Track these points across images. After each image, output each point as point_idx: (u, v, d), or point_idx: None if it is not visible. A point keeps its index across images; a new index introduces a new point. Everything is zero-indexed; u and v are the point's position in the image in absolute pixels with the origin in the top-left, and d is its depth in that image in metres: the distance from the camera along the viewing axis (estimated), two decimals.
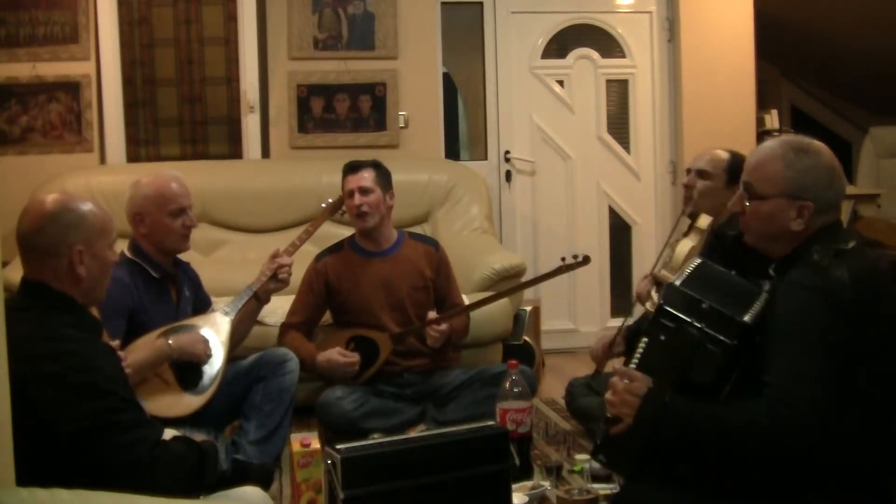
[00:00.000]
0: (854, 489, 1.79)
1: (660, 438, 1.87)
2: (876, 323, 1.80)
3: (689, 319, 1.89)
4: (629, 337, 3.20)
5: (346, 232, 3.85)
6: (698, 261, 2.08)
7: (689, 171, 3.30)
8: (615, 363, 2.44)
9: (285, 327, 3.51)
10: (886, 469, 1.85)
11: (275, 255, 3.20)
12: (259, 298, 3.17)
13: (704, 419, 1.82)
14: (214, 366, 2.88)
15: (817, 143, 1.94)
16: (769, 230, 1.93)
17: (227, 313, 3.03)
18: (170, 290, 3.00)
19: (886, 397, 1.82)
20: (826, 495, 1.78)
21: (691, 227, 3.20)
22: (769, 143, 1.96)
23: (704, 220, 3.12)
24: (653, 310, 2.40)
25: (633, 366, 1.99)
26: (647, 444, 1.92)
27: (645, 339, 1.99)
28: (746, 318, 1.85)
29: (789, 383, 1.72)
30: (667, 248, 3.37)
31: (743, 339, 1.85)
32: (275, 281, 3.18)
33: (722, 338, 1.85)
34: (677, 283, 1.98)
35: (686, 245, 3.17)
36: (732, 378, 1.91)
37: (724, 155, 3.20)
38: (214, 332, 2.94)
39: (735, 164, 3.16)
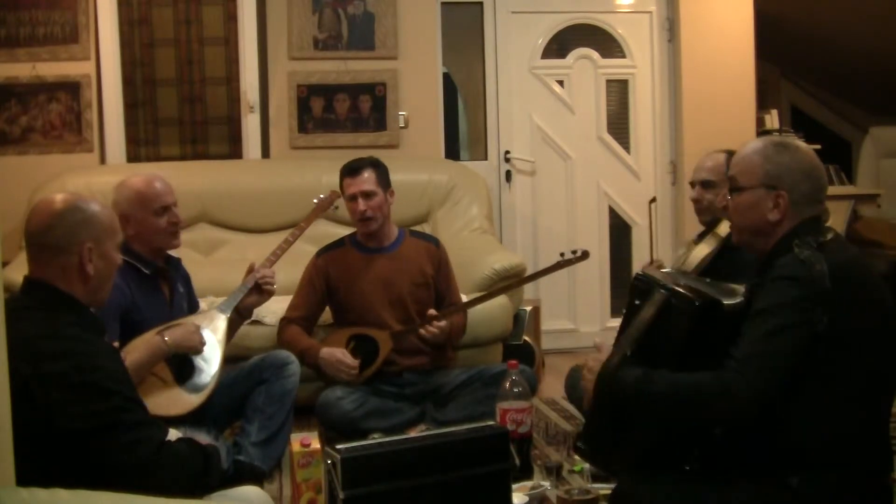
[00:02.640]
0: (842, 475, 1.84)
1: (616, 394, 1.93)
2: (856, 313, 1.85)
3: (661, 283, 1.98)
4: None
5: (343, 231, 3.85)
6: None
7: (692, 184, 3.23)
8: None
9: (285, 321, 3.50)
10: (874, 456, 1.89)
11: (251, 270, 3.15)
12: (240, 313, 3.12)
13: (657, 376, 1.88)
14: (212, 364, 2.88)
15: (799, 142, 2.05)
16: (749, 222, 2.02)
17: (222, 311, 3.03)
18: (162, 286, 3.00)
19: (867, 385, 1.86)
20: (811, 481, 1.83)
21: (709, 233, 3.17)
22: (754, 141, 2.08)
23: (724, 227, 3.08)
24: None
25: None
26: (610, 417, 1.99)
27: (624, 311, 2.10)
28: (725, 300, 1.90)
29: (746, 356, 1.80)
30: (683, 249, 3.34)
31: (714, 318, 1.89)
32: (257, 293, 3.12)
33: (690, 297, 1.90)
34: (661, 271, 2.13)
35: (703, 250, 3.14)
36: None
37: (722, 157, 3.12)
38: (211, 330, 2.94)
39: None
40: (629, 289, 2.12)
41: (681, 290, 1.93)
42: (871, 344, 1.86)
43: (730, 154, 3.17)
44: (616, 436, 2.01)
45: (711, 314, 1.88)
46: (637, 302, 2.03)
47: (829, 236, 1.94)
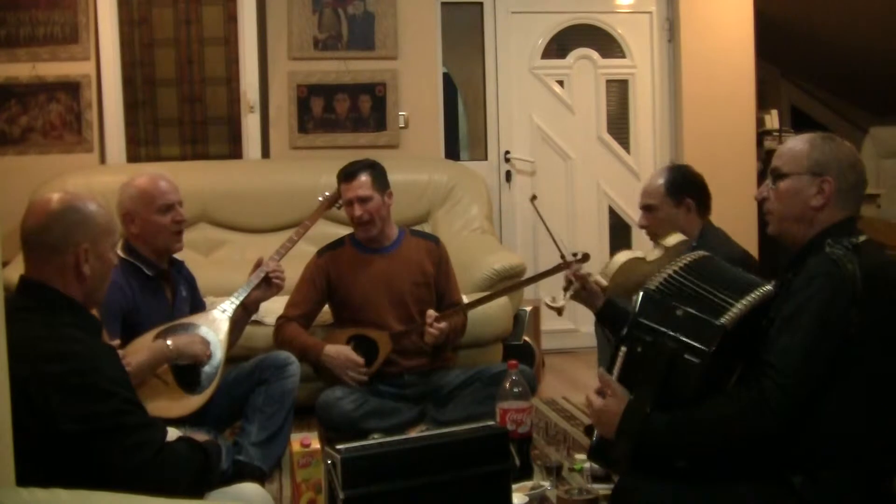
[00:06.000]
0: (847, 475, 1.83)
1: (643, 449, 1.91)
2: (885, 315, 1.84)
3: (664, 330, 1.89)
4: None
5: (344, 230, 3.85)
6: (698, 255, 2.08)
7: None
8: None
9: (283, 320, 3.47)
10: (880, 457, 1.88)
11: (259, 264, 3.15)
12: (247, 308, 3.12)
13: (690, 420, 1.86)
14: (214, 365, 2.88)
15: (841, 139, 2.06)
16: (791, 210, 2.00)
17: (224, 311, 3.02)
18: (164, 289, 3.00)
19: (883, 388, 1.85)
20: (815, 480, 1.82)
21: (656, 244, 3.16)
22: (797, 136, 2.10)
23: (673, 238, 3.07)
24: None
25: (613, 376, 2.00)
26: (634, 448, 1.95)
27: (623, 350, 1.98)
28: (723, 320, 1.84)
29: (783, 366, 1.79)
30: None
31: (728, 342, 1.85)
32: (265, 287, 3.12)
33: (699, 346, 1.84)
34: (651, 287, 1.97)
35: (625, 255, 3.14)
36: (731, 380, 1.94)
37: (660, 181, 3.14)
38: (213, 330, 2.94)
39: (672, 182, 3.12)
40: (628, 333, 1.94)
41: (687, 338, 1.84)
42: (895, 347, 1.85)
43: (671, 170, 3.18)
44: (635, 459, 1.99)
45: (725, 341, 1.84)
46: (639, 350, 1.92)
47: (863, 238, 1.93)
